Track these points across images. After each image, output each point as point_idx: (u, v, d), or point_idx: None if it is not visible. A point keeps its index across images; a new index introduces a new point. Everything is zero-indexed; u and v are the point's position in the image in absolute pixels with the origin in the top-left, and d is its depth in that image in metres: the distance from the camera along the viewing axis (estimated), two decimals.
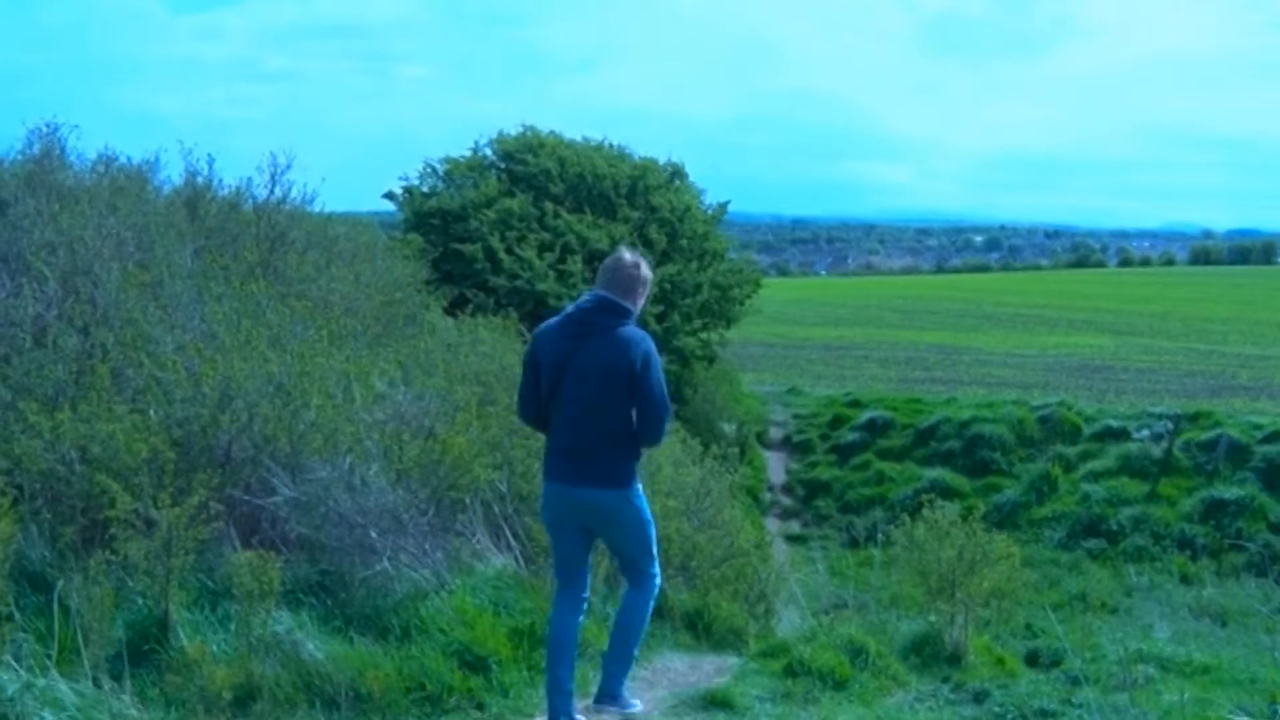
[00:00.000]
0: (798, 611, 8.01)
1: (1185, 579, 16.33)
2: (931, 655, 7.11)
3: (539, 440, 7.43)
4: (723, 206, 23.89)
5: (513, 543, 6.88)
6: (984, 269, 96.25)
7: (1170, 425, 19.54)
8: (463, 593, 6.04)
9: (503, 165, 21.62)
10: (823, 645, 6.71)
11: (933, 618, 7.34)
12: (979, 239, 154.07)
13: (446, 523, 6.55)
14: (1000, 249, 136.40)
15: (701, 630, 7.63)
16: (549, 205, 20.27)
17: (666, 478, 8.74)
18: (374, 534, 5.92)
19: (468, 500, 6.68)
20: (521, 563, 6.77)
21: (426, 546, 6.16)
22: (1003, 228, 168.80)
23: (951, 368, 29.10)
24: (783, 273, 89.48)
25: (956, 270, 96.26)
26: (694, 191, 23.25)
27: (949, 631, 7.17)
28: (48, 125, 9.98)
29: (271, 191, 10.59)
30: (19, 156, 9.88)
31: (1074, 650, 7.75)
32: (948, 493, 18.50)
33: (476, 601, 6.04)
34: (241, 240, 9.93)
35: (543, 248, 19.49)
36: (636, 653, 5.39)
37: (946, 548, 7.14)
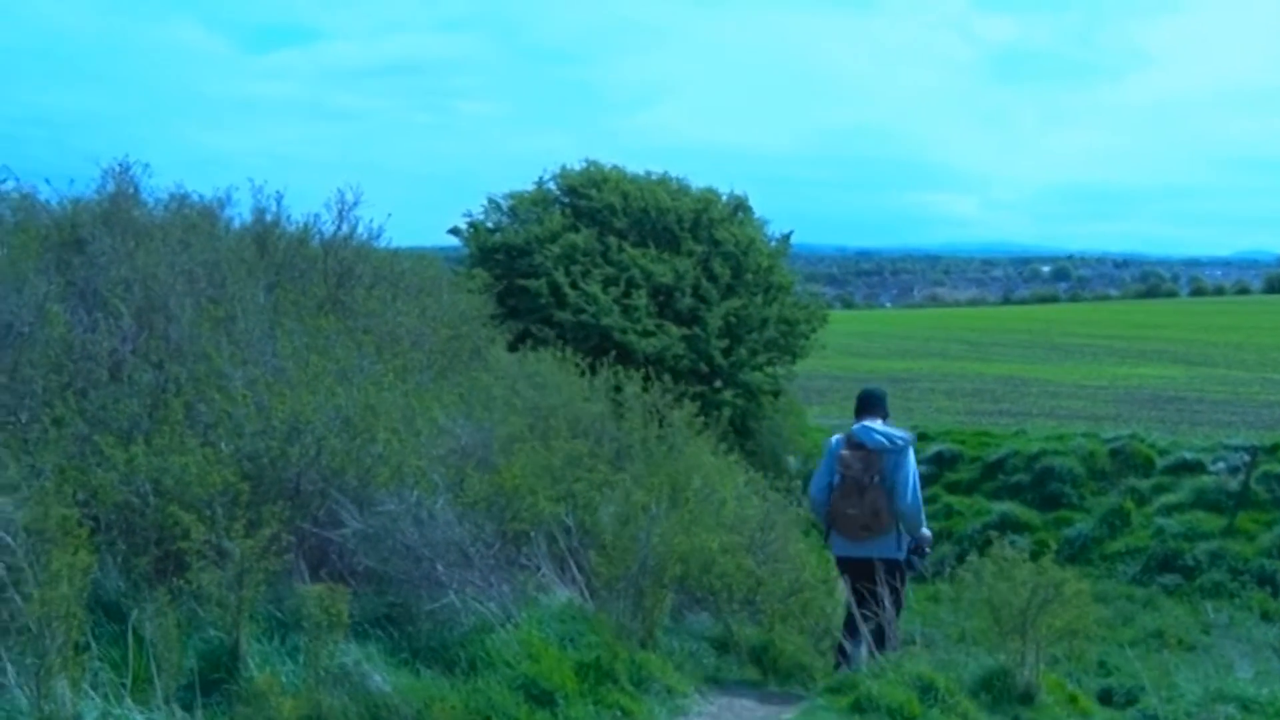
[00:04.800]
0: (865, 647, 7.91)
1: (1266, 616, 15.91)
2: (1002, 693, 6.99)
3: (600, 474, 7.53)
4: (786, 239, 23.80)
5: (577, 576, 6.88)
6: (1052, 299, 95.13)
7: (1247, 457, 19.12)
8: (529, 626, 6.05)
9: (566, 200, 21.71)
10: (891, 681, 6.63)
11: (1003, 655, 7.21)
12: (1046, 269, 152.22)
13: (511, 556, 6.57)
14: (1068, 279, 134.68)
15: (768, 665, 7.58)
16: (613, 240, 20.31)
17: (730, 512, 8.71)
18: (440, 567, 5.95)
19: (532, 533, 6.70)
20: (586, 596, 6.77)
21: (492, 579, 6.18)
22: (1070, 257, 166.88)
23: (1020, 399, 28.74)
24: (848, 305, 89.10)
25: (1023, 301, 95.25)
26: (758, 224, 23.19)
27: (1020, 669, 7.05)
28: (121, 164, 10.22)
29: (339, 227, 10.74)
30: (95, 195, 10.13)
31: (1151, 688, 7.58)
32: (1017, 526, 18.25)
33: (542, 635, 6.04)
34: (309, 276, 10.07)
35: (607, 282, 19.52)
36: None
37: (1017, 586, 7.02)
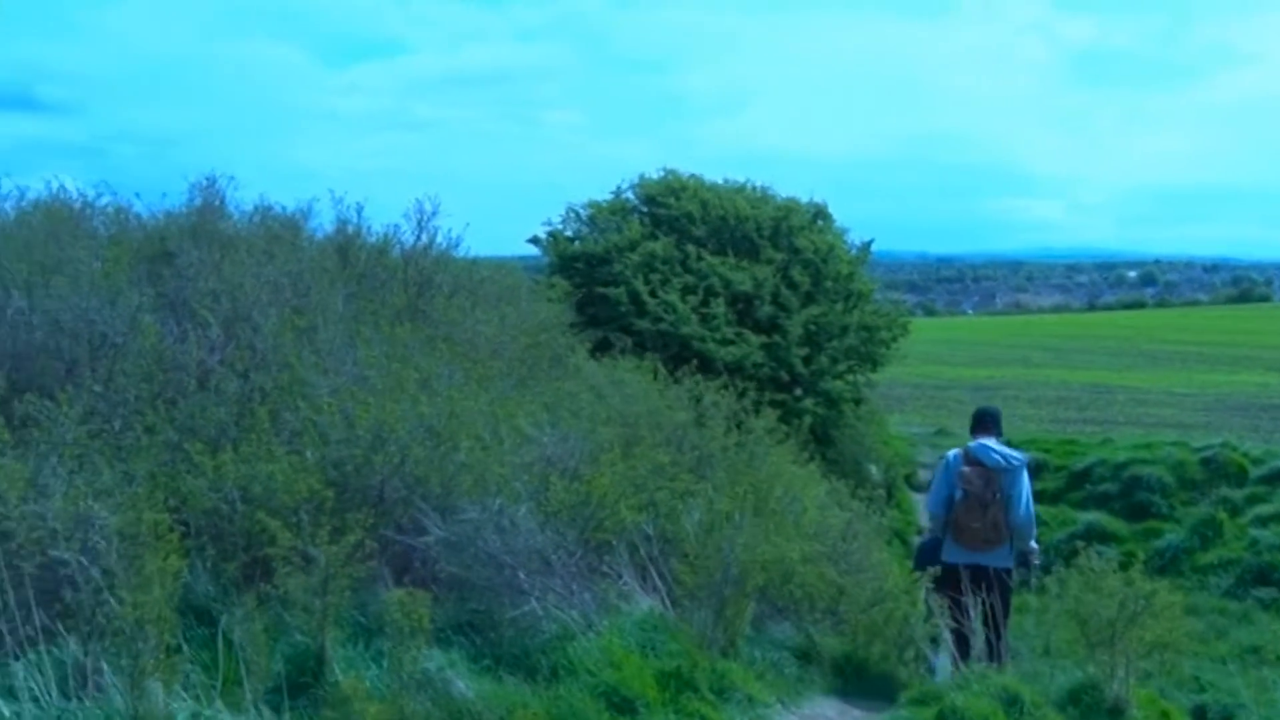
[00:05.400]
0: (949, 658, 7.81)
1: None
2: (1091, 707, 6.84)
3: (682, 483, 7.53)
4: (866, 246, 23.59)
5: (659, 584, 6.87)
6: (1138, 305, 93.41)
7: None
8: (610, 634, 6.04)
9: (645, 209, 21.69)
10: (976, 694, 6.53)
11: (1091, 668, 7.07)
12: (1132, 274, 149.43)
13: (593, 564, 6.58)
14: (1155, 284, 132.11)
15: (851, 676, 7.51)
16: (692, 248, 20.25)
17: (812, 520, 8.65)
18: (522, 575, 5.97)
19: (614, 542, 6.70)
20: (668, 604, 6.76)
21: (574, 587, 6.19)
22: (1157, 262, 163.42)
23: (1106, 407, 28.25)
24: (929, 312, 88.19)
25: (1109, 307, 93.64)
26: (838, 232, 23.01)
27: (1109, 683, 6.90)
28: (208, 178, 10.46)
29: (419, 237, 10.87)
30: (185, 209, 10.36)
31: (1252, 705, 7.38)
32: (1104, 537, 17.87)
33: (624, 643, 6.04)
34: (390, 285, 10.19)
35: (686, 290, 19.46)
36: None
37: (1105, 597, 6.88)
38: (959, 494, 8.19)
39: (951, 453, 8.54)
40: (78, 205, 10.31)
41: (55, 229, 9.14)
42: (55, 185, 10.40)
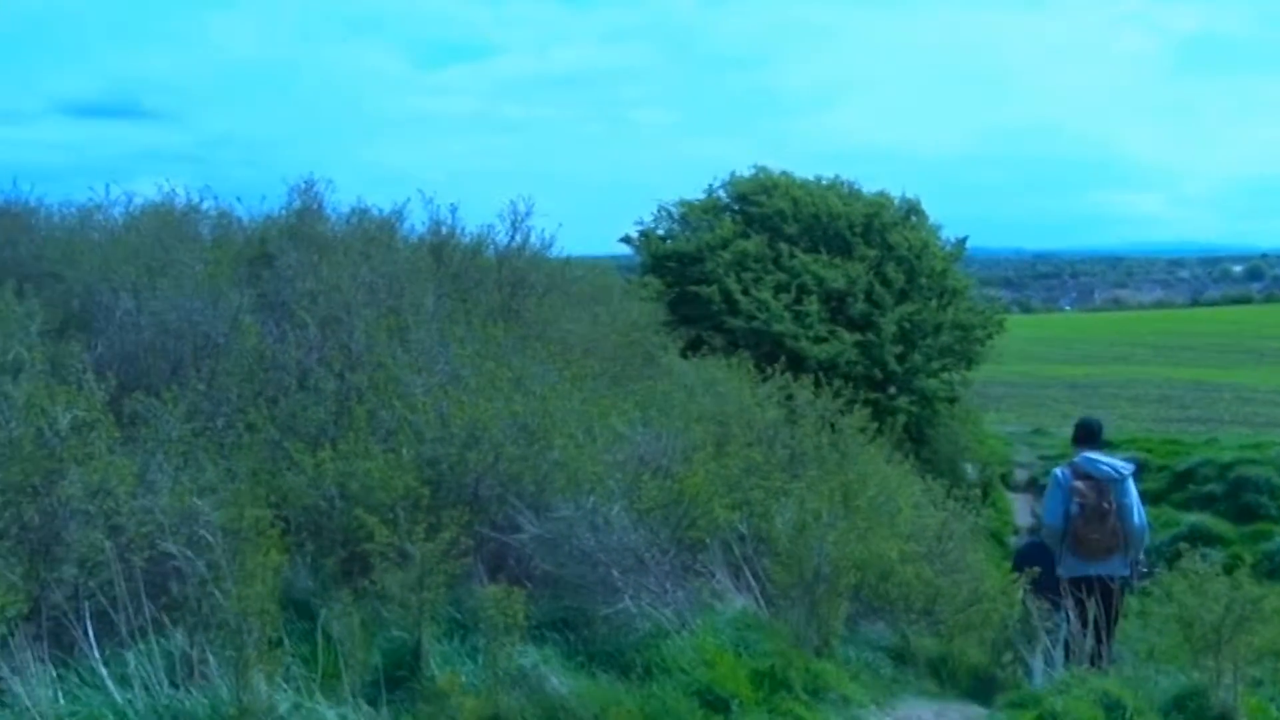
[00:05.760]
0: (1048, 661, 7.67)
1: None
2: (1196, 714, 6.64)
3: (775, 481, 7.51)
4: (961, 242, 23.32)
5: (752, 583, 6.85)
6: (1245, 300, 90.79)
7: None
8: (704, 632, 6.04)
9: (737, 207, 21.68)
10: (1077, 698, 6.40)
11: (1196, 674, 6.88)
12: (1238, 269, 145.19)
13: (687, 563, 6.58)
14: (1262, 279, 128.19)
15: (946, 678, 7.41)
16: (784, 246, 20.20)
17: (906, 520, 8.57)
18: (616, 573, 5.99)
19: (707, 540, 6.70)
20: (761, 603, 6.74)
21: (667, 585, 6.19)
22: (1265, 256, 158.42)
23: (1211, 406, 27.57)
24: (1025, 309, 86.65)
25: (1214, 303, 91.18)
26: (931, 228, 22.78)
27: (1215, 690, 6.70)
28: (306, 182, 10.69)
29: (511, 238, 11.01)
30: (283, 212, 10.59)
31: None
32: (1209, 539, 17.45)
33: (718, 641, 6.03)
34: (483, 285, 10.31)
35: (779, 288, 19.42)
36: None
37: (1210, 601, 6.69)
38: (1074, 508, 8.26)
39: (1059, 470, 8.60)
40: (183, 210, 10.60)
41: (162, 233, 9.39)
42: (163, 191, 10.73)
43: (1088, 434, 8.65)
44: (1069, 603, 7.74)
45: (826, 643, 6.59)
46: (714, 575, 6.66)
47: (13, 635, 4.44)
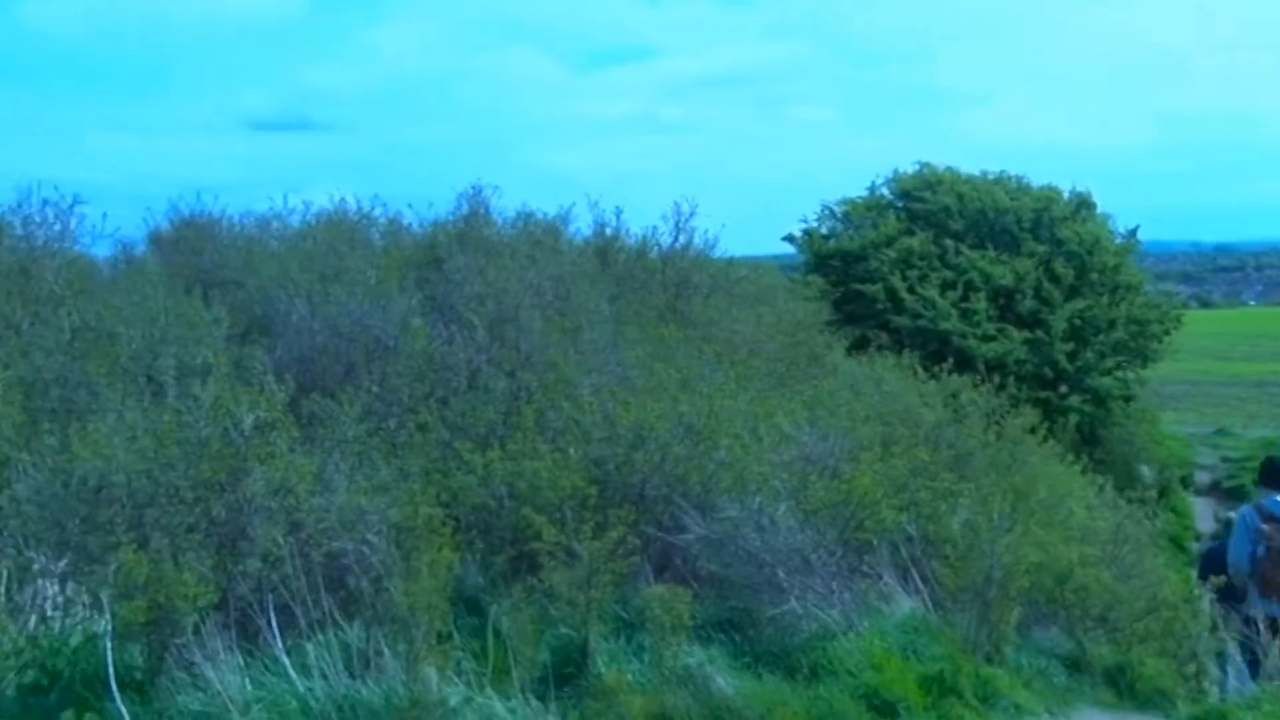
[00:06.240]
0: (1235, 673, 7.36)
1: None
2: None
3: (944, 482, 7.36)
4: (1133, 234, 22.53)
5: (921, 586, 6.73)
6: None
7: None
8: (871, 635, 5.96)
9: (900, 204, 21.42)
10: (1269, 715, 6.11)
11: None
12: None
13: (853, 564, 6.50)
14: None
15: (1124, 688, 7.15)
16: (949, 242, 19.88)
17: (1079, 522, 8.31)
18: (782, 573, 5.95)
19: (875, 542, 6.61)
20: (930, 607, 6.61)
21: (834, 587, 6.13)
22: None
23: None
24: (1205, 304, 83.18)
25: None
26: (1102, 221, 22.09)
27: None
28: (474, 187, 10.93)
29: (675, 239, 11.09)
30: (451, 217, 10.86)
31: None
32: None
33: (885, 645, 5.94)
34: (649, 286, 10.39)
35: (945, 286, 19.13)
36: None
37: None
38: (1261, 550, 8.02)
39: (1245, 508, 8.40)
40: (355, 218, 10.95)
41: (335, 240, 9.71)
42: (336, 200, 11.12)
43: (1274, 474, 8.40)
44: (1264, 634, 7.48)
45: (998, 648, 6.43)
46: (881, 577, 6.57)
47: (204, 624, 4.64)
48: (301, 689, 4.66)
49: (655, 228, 11.13)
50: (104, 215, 9.40)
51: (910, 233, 20.19)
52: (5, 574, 4.94)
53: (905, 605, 6.47)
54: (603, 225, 11.29)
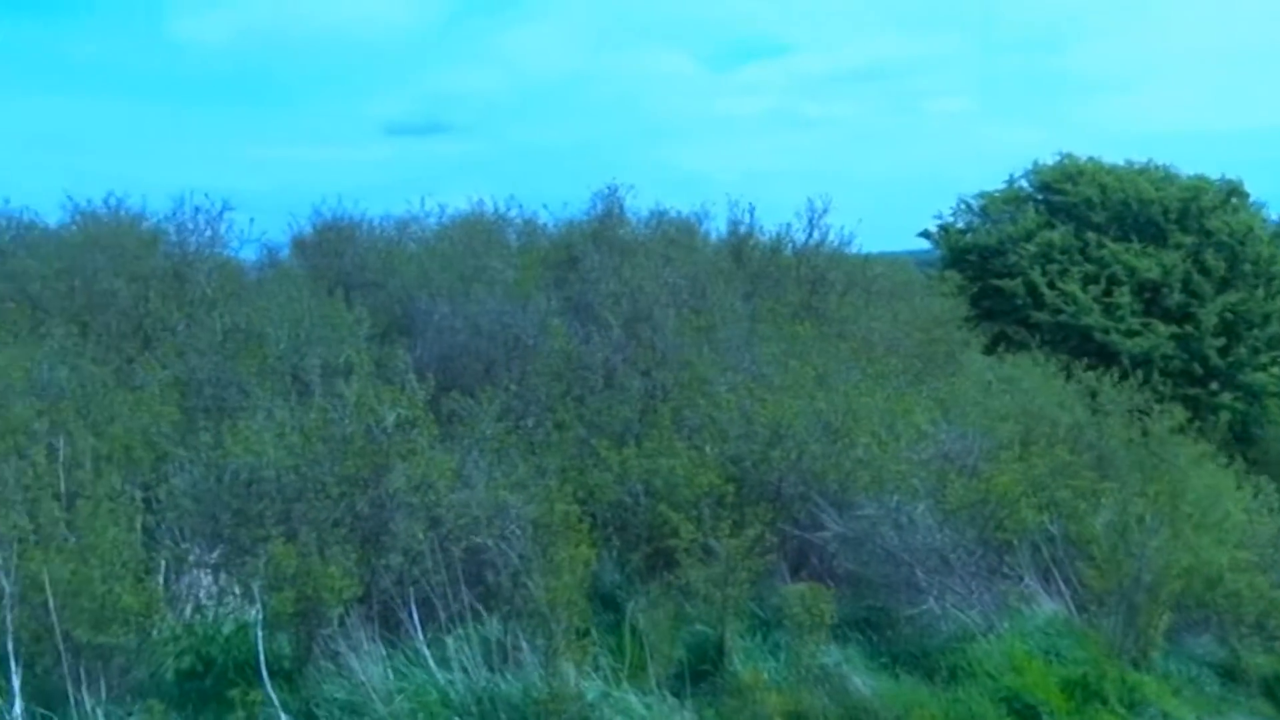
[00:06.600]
0: None
1: None
2: None
3: (1085, 481, 7.18)
4: None
5: (1063, 588, 6.60)
6: None
7: None
8: (1011, 637, 5.87)
9: (1040, 196, 20.90)
10: None
11: None
12: None
13: (993, 564, 6.40)
14: None
15: None
16: (1091, 235, 19.34)
17: (1237, 527, 8.03)
18: (920, 573, 5.89)
19: (1015, 542, 6.49)
20: (1073, 610, 6.47)
21: (973, 587, 6.04)
22: None
23: None
24: None
25: None
26: (1255, 210, 21.25)
27: None
28: (608, 187, 11.02)
29: (810, 236, 11.04)
30: (586, 217, 10.97)
31: None
32: None
33: (1026, 647, 5.85)
34: (783, 284, 10.35)
35: (1087, 280, 18.61)
36: None
37: None
38: None
39: None
40: (491, 219, 11.14)
41: (472, 242, 9.89)
42: (472, 201, 11.33)
43: None
44: None
45: (1145, 654, 6.27)
46: (1022, 578, 6.46)
47: (348, 615, 4.78)
48: (442, 681, 4.77)
49: (789, 225, 11.10)
50: (250, 220, 9.75)
51: (1050, 226, 19.68)
52: (164, 565, 5.15)
53: (1047, 607, 6.35)
54: (737, 223, 11.31)
